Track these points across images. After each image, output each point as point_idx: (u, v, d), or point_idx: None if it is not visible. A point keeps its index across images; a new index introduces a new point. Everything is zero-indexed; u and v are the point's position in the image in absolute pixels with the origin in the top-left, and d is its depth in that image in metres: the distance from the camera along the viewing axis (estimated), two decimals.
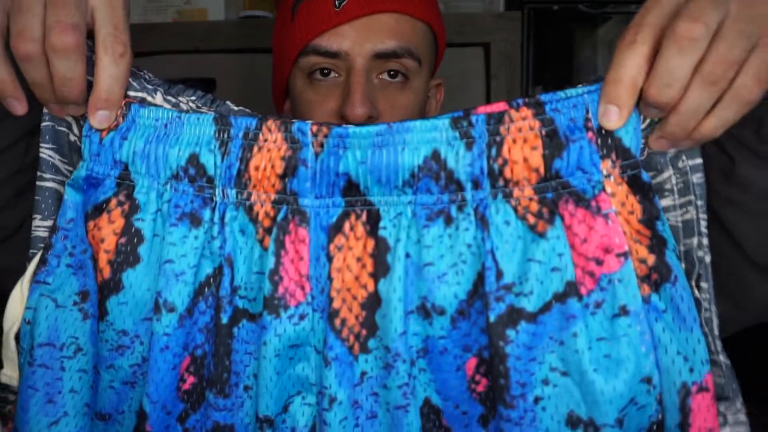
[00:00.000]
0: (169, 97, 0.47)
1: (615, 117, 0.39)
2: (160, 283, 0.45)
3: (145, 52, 1.29)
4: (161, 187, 0.46)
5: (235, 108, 0.48)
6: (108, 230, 0.46)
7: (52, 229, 0.47)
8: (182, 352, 0.46)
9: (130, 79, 0.46)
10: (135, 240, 0.45)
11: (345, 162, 0.43)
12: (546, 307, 0.40)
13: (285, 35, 0.72)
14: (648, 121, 0.41)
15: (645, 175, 0.41)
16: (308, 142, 0.43)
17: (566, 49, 1.53)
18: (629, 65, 0.38)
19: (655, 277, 0.40)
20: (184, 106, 0.47)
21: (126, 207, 0.46)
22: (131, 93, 0.47)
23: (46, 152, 0.48)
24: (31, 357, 0.46)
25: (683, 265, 0.43)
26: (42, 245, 0.48)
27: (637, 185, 0.41)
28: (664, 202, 0.43)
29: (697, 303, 0.43)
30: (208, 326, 0.46)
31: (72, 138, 0.49)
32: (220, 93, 1.31)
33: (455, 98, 1.28)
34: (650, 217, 0.41)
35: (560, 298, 0.40)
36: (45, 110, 0.47)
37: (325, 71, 0.70)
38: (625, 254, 0.40)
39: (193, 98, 0.48)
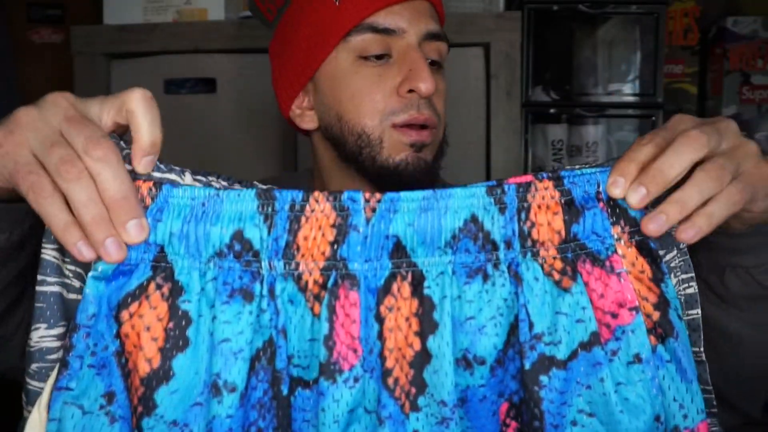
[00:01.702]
0: (199, 177, 0.47)
1: (621, 185, 0.46)
2: (216, 364, 0.44)
3: (145, 52, 1.29)
4: (203, 266, 0.45)
5: (264, 186, 0.47)
6: (152, 316, 0.44)
7: (72, 329, 0.44)
8: None
9: (158, 163, 0.46)
10: (183, 323, 0.44)
11: (395, 225, 0.46)
12: (573, 355, 0.45)
13: (327, 17, 0.71)
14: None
15: (651, 243, 0.47)
16: (360, 209, 0.46)
17: (566, 49, 1.53)
18: (642, 153, 0.46)
19: (660, 332, 0.46)
20: (216, 185, 0.47)
21: (166, 290, 0.45)
22: (158, 174, 0.46)
23: (49, 253, 0.46)
24: None
25: (687, 332, 0.48)
26: (51, 357, 0.46)
27: (644, 249, 0.47)
28: (671, 279, 0.49)
29: (702, 364, 0.49)
30: (261, 401, 0.45)
31: None
32: (220, 93, 1.31)
33: (455, 98, 1.28)
34: (656, 278, 0.47)
35: (585, 346, 0.45)
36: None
37: (379, 56, 0.70)
38: (636, 308, 0.46)
39: (221, 179, 0.48)
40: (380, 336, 0.45)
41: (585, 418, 0.45)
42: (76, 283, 0.47)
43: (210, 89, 1.31)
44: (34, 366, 0.46)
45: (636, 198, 0.44)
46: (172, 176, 0.46)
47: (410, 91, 0.69)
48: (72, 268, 0.47)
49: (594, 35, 1.53)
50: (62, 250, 0.46)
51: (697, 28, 1.68)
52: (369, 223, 0.46)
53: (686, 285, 0.49)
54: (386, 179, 0.70)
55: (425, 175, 0.71)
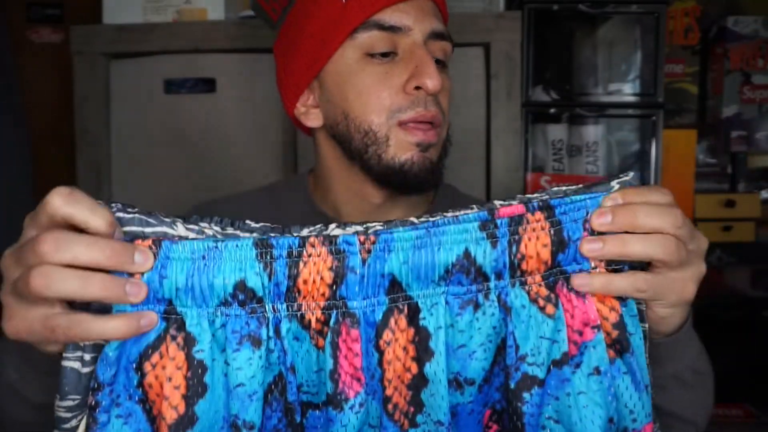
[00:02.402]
0: (191, 226, 0.48)
1: (603, 220, 0.50)
2: (234, 407, 0.47)
3: (145, 52, 1.29)
4: (211, 314, 0.48)
5: (256, 225, 0.49)
6: (172, 367, 0.47)
7: (96, 389, 0.47)
8: None
9: (146, 217, 0.47)
10: (200, 371, 0.47)
11: (390, 264, 0.48)
12: (548, 372, 0.50)
13: (334, 15, 0.71)
14: None
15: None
16: (356, 251, 0.48)
17: (566, 49, 1.53)
18: (630, 197, 0.50)
19: (618, 347, 0.51)
20: (208, 231, 0.49)
21: (180, 340, 0.47)
22: (149, 230, 0.47)
23: None
24: None
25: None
26: (65, 426, 0.48)
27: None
28: None
29: (648, 367, 0.53)
30: (276, 428, 0.50)
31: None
32: (220, 93, 1.31)
33: (455, 98, 1.28)
34: (620, 300, 0.51)
35: (557, 364, 0.50)
36: None
37: (385, 53, 0.71)
38: (598, 327, 0.50)
39: (213, 224, 0.49)
40: (380, 364, 0.49)
41: (552, 424, 0.50)
42: (87, 357, 0.48)
43: (210, 89, 1.31)
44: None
45: (587, 247, 0.49)
46: (164, 228, 0.47)
47: (417, 88, 0.70)
48: (90, 343, 0.48)
49: (594, 35, 1.53)
50: None
51: (697, 28, 1.69)
52: (365, 263, 0.48)
53: (638, 301, 0.52)
54: (391, 178, 0.70)
55: (430, 174, 0.71)
